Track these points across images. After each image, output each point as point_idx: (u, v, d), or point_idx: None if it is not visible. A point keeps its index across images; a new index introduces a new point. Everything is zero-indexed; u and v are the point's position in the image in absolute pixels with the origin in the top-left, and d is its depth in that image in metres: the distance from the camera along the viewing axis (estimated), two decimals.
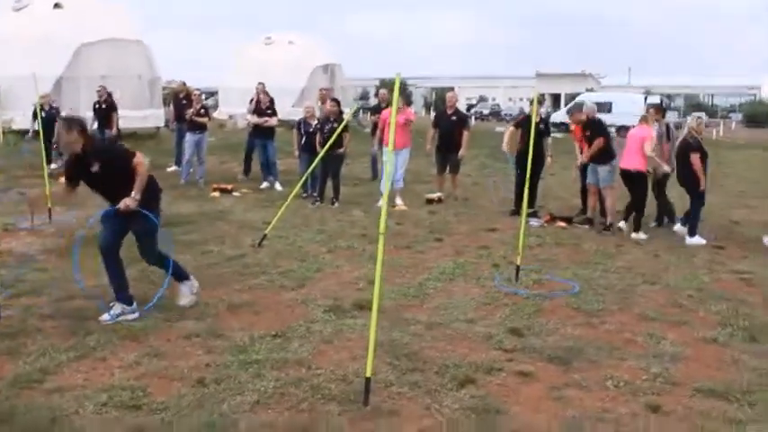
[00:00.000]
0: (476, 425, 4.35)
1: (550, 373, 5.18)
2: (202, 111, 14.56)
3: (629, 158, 10.40)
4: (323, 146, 10.97)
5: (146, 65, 25.66)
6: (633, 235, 10.22)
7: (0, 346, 5.32)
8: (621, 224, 10.63)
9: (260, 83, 15.31)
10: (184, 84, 17.67)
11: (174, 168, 16.48)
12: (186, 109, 16.03)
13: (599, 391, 4.89)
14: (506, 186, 13.13)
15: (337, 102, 13.02)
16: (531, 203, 10.65)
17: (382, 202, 11.61)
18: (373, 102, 31.23)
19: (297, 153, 13.03)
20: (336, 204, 12.12)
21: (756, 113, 65.90)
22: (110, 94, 17.34)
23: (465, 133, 12.82)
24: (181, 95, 16.67)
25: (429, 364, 5.20)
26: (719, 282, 7.98)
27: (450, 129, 12.83)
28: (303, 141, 12.72)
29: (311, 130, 12.63)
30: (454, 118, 12.95)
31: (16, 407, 4.35)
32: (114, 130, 16.80)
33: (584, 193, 11.67)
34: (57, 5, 24.52)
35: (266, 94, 14.79)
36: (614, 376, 5.11)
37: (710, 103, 79.19)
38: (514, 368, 5.20)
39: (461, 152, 12.77)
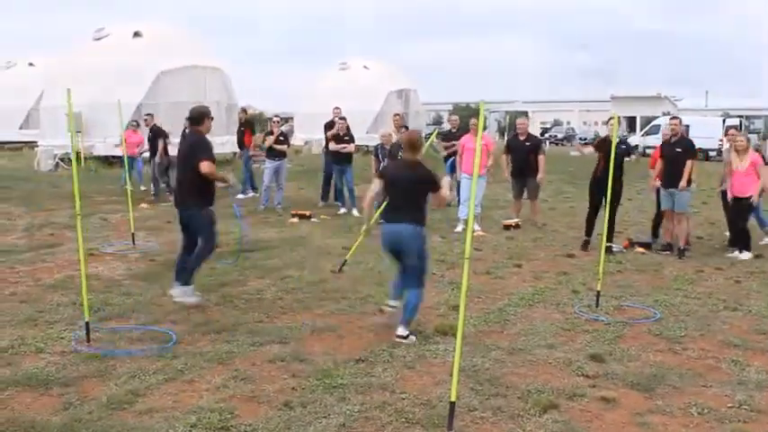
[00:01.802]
0: None
1: (633, 399, 5.18)
2: (281, 138, 14.87)
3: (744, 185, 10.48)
4: None
5: (223, 91, 26.36)
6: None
7: (90, 368, 5.53)
8: (736, 254, 10.58)
9: (336, 107, 15.55)
10: (245, 111, 18.21)
11: (240, 196, 16.89)
12: (246, 136, 16.53)
13: (683, 417, 4.87)
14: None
15: (406, 128, 13.20)
16: (610, 234, 10.22)
17: (461, 227, 11.81)
18: (446, 127, 31.33)
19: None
20: None
21: None
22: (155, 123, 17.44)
23: (541, 157, 12.83)
24: (241, 121, 17.20)
25: (511, 390, 5.26)
26: None
27: (524, 154, 12.87)
28: (381, 167, 12.93)
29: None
30: (528, 143, 12.98)
31: (110, 427, 4.51)
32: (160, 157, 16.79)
33: (656, 218, 11.55)
34: (136, 34, 25.43)
35: (343, 119, 14.90)
36: (698, 403, 5.08)
37: None
38: (597, 394, 5.22)
39: (540, 176, 12.76)
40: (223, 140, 24.86)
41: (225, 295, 7.74)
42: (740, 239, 10.70)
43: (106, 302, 7.36)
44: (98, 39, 25.78)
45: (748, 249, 10.57)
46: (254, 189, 17.15)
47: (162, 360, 5.73)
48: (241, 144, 17.35)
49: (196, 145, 7.30)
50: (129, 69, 23.49)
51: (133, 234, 10.62)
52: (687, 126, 38.96)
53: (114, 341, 6.21)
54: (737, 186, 10.56)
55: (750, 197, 10.40)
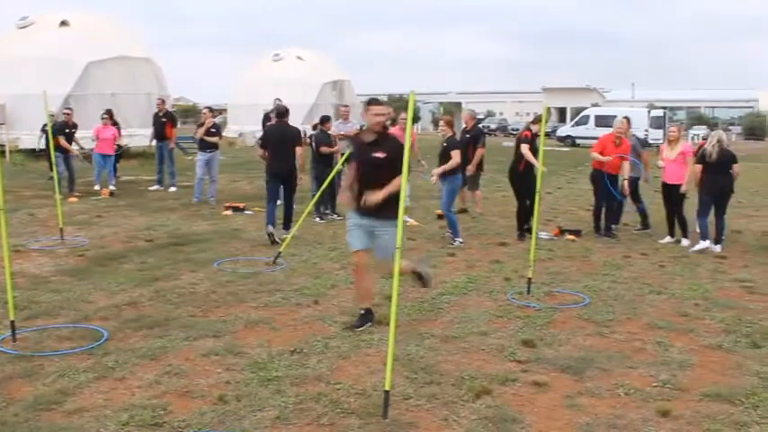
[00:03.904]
0: None
1: (564, 382, 5.31)
2: (213, 129, 14.68)
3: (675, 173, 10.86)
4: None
5: (154, 82, 25.89)
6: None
7: (17, 368, 5.36)
8: (667, 239, 11.01)
9: (277, 98, 15.41)
10: (163, 101, 17.84)
11: (156, 188, 16.63)
12: (165, 127, 16.20)
13: (611, 398, 5.02)
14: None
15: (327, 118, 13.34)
16: (527, 219, 10.94)
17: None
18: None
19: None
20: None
21: (754, 126, 66.41)
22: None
23: (479, 150, 12.99)
24: (160, 114, 16.84)
25: (446, 377, 5.33)
26: (723, 290, 8.17)
27: (463, 146, 12.98)
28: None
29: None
30: (467, 135, 13.12)
31: (38, 429, 4.39)
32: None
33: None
34: (63, 23, 24.75)
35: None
36: (625, 384, 5.24)
37: (711, 116, 79.52)
38: (529, 378, 5.33)
39: (469, 168, 12.86)
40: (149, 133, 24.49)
41: (157, 290, 7.63)
42: (681, 227, 11.00)
43: (33, 300, 7.16)
44: (22, 27, 25.03)
45: (686, 237, 10.86)
46: (160, 183, 16.91)
47: (92, 358, 5.61)
48: (161, 136, 16.84)
49: (297, 135, 11.08)
50: (56, 60, 22.87)
51: (61, 229, 10.36)
52: (614, 116, 40.25)
53: (42, 340, 6.04)
54: (669, 174, 10.92)
55: (680, 185, 10.69)
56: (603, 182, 11.21)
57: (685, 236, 10.88)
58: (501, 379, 5.29)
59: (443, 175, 10.36)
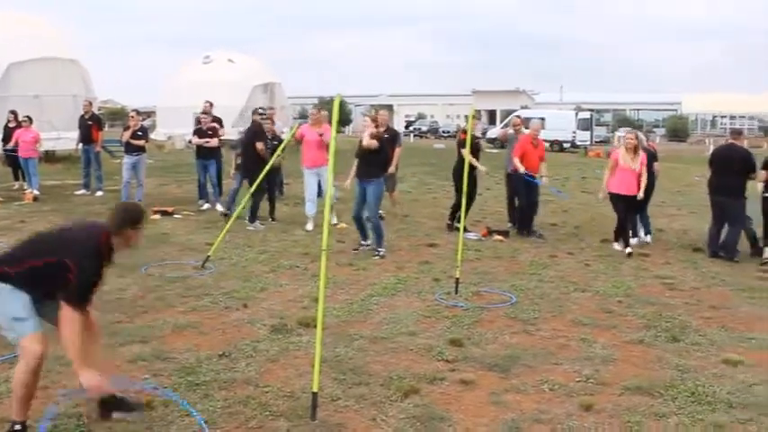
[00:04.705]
0: (420, 431, 4.53)
1: (490, 379, 5.40)
2: (139, 132, 14.40)
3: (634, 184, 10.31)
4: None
5: (81, 84, 25.24)
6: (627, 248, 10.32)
7: None
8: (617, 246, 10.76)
9: (207, 101, 15.23)
10: (90, 103, 17.48)
11: (82, 192, 16.29)
12: (92, 130, 15.87)
13: (535, 394, 5.14)
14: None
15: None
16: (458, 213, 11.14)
17: (310, 225, 11.76)
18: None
19: (232, 173, 13.25)
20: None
21: (677, 128, 68.77)
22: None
23: (396, 150, 13.05)
24: (86, 116, 16.50)
25: (374, 377, 5.36)
26: (645, 287, 8.45)
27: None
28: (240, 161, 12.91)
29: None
30: (386, 135, 13.17)
31: None
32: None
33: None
34: None
35: (209, 114, 14.68)
36: (550, 380, 5.37)
37: (637, 118, 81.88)
38: (456, 377, 5.41)
39: (390, 169, 12.88)
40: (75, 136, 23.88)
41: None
42: (633, 230, 11.02)
43: None
44: None
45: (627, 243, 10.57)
46: (86, 187, 16.54)
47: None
48: (87, 139, 16.45)
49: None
50: None
51: None
52: (542, 119, 41.09)
53: None
54: (626, 184, 10.35)
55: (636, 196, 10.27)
56: (523, 180, 11.70)
57: (635, 236, 11.18)
58: (429, 378, 5.36)
59: (369, 179, 10.06)
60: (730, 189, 10.11)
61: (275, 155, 10.22)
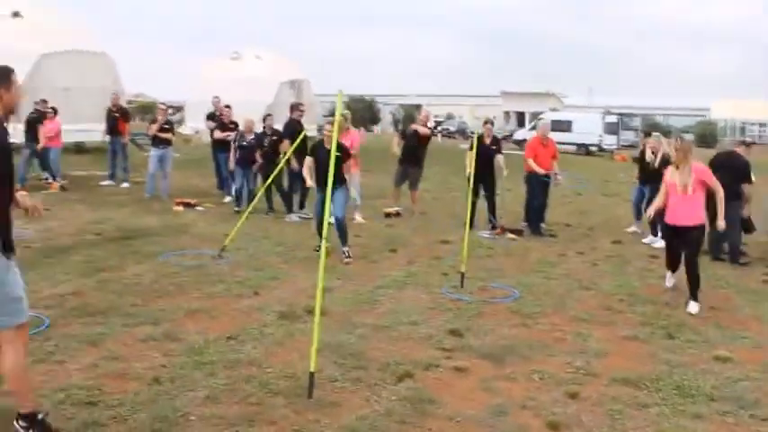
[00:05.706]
0: (409, 412, 4.76)
1: (483, 368, 5.62)
2: (166, 125, 14.82)
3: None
4: (263, 159, 12.54)
5: (109, 78, 25.67)
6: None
7: None
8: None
9: (215, 96, 15.66)
10: (117, 96, 17.85)
11: (108, 183, 16.66)
12: (118, 122, 16.25)
13: (526, 382, 5.35)
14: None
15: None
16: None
17: (359, 216, 12.06)
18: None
19: (231, 167, 13.62)
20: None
21: (706, 134, 68.15)
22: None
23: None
24: (113, 109, 16.87)
25: (372, 362, 5.60)
26: (648, 287, 8.61)
27: (415, 144, 13.34)
28: (238, 156, 13.23)
29: (245, 144, 13.20)
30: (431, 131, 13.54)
31: None
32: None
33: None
34: (16, 14, 24.38)
35: (228, 107, 15.26)
36: (541, 370, 5.58)
37: (666, 124, 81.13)
38: (451, 364, 5.63)
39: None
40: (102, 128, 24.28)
41: (102, 280, 7.78)
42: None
43: None
44: None
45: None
46: (112, 178, 16.88)
47: (33, 343, 5.73)
48: (114, 131, 16.88)
49: None
50: (7, 52, 22.56)
51: None
52: (570, 121, 40.92)
53: None
54: (680, 214, 7.88)
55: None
56: (537, 181, 12.16)
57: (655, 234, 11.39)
58: (424, 364, 5.59)
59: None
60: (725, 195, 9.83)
61: (290, 149, 10.56)
